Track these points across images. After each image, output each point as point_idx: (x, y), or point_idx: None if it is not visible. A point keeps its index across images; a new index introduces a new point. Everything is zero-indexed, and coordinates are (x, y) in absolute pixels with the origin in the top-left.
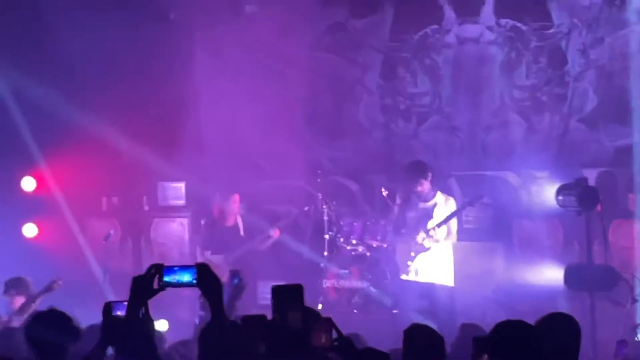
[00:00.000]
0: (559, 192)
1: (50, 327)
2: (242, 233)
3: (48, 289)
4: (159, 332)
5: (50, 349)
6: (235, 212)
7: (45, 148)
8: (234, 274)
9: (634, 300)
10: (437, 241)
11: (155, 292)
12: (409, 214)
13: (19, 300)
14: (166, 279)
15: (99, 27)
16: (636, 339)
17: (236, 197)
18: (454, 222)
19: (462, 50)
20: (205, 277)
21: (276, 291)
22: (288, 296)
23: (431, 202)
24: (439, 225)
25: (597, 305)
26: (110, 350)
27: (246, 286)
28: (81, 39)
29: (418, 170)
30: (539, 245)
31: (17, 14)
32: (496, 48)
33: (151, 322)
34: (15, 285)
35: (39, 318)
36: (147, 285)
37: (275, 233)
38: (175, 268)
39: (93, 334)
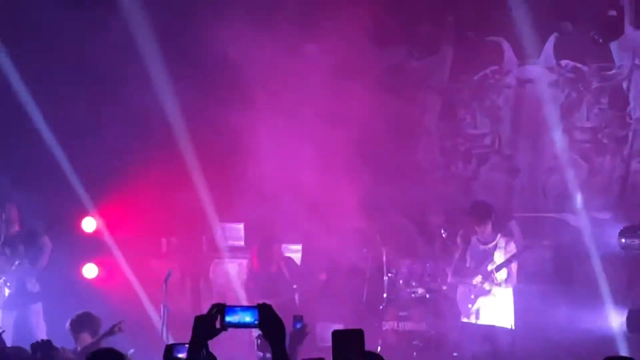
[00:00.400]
0: (622, 234)
1: None
2: (288, 277)
3: (110, 332)
4: None
5: None
6: (275, 259)
7: (106, 189)
8: (297, 318)
9: None
10: (498, 284)
11: (218, 332)
12: (470, 256)
13: (85, 337)
14: (228, 319)
15: (160, 76)
16: None
17: (276, 245)
18: (514, 266)
19: (522, 91)
20: (267, 318)
21: (337, 336)
22: (349, 341)
23: (492, 244)
24: (498, 269)
25: None
26: None
27: (309, 331)
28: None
29: (483, 211)
30: (601, 288)
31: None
32: (557, 89)
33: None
34: (83, 321)
35: (96, 357)
36: (209, 325)
37: (322, 276)
38: (237, 308)
39: None
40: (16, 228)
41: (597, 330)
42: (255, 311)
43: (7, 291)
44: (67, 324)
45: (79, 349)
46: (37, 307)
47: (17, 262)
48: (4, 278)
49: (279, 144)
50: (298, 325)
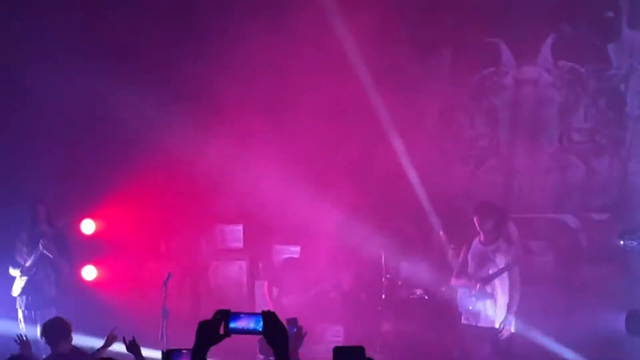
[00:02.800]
0: (621, 236)
1: None
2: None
3: (108, 343)
4: None
5: None
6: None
7: (104, 191)
8: (292, 322)
9: None
10: (502, 285)
11: (221, 338)
12: (471, 257)
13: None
14: (232, 325)
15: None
16: None
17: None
18: (517, 271)
19: (520, 92)
20: (271, 325)
21: (338, 352)
22: (350, 358)
23: (492, 247)
24: (499, 273)
25: None
26: None
27: (305, 334)
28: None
29: (489, 209)
30: (600, 289)
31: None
32: (554, 90)
33: None
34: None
35: None
36: (212, 331)
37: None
38: (242, 315)
39: None
40: (45, 227)
41: (596, 332)
42: (260, 318)
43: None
44: (40, 333)
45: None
46: (50, 312)
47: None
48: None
49: (276, 145)
50: (294, 330)
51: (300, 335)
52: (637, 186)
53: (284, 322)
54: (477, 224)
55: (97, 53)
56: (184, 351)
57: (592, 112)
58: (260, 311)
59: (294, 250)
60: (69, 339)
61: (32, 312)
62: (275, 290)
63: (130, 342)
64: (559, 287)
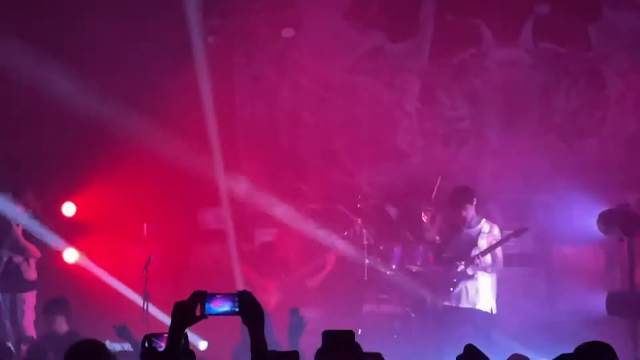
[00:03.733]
0: (601, 218)
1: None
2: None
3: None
4: None
5: None
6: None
7: (85, 174)
8: (293, 311)
9: None
10: (483, 269)
11: (197, 319)
12: (453, 239)
13: (60, 321)
14: (208, 306)
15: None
16: None
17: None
18: (499, 251)
19: (500, 73)
20: (247, 305)
21: (327, 336)
22: (339, 341)
23: (476, 229)
24: (483, 254)
25: (638, 331)
26: None
27: (306, 323)
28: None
29: (464, 195)
30: (580, 270)
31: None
32: (535, 71)
33: (192, 355)
34: (60, 305)
35: (75, 349)
36: (189, 312)
37: (329, 260)
38: (218, 296)
39: None
40: (33, 211)
41: (576, 312)
42: (235, 298)
43: None
44: (42, 308)
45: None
46: (29, 296)
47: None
48: None
49: (258, 127)
50: (295, 318)
51: (301, 324)
52: (617, 166)
53: (288, 313)
54: (458, 209)
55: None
56: (165, 335)
57: (572, 93)
58: (236, 292)
59: (275, 233)
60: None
61: (14, 296)
62: (256, 274)
63: (120, 327)
64: (540, 268)
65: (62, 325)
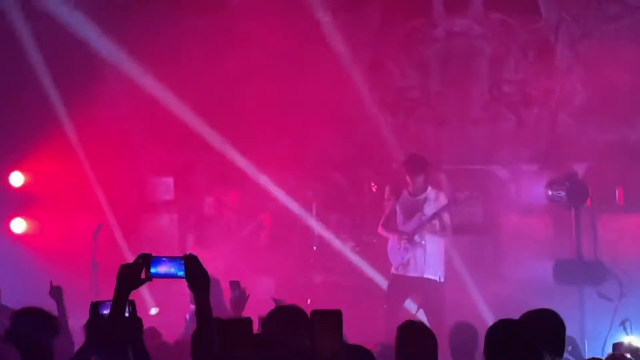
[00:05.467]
0: (549, 186)
1: (31, 325)
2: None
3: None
4: (151, 328)
5: (33, 347)
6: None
7: (33, 143)
8: (234, 285)
9: (623, 295)
10: (432, 233)
11: (142, 282)
12: (399, 208)
13: None
14: (153, 269)
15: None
16: (624, 333)
17: (230, 193)
18: (447, 216)
19: (450, 44)
20: (193, 269)
21: (314, 316)
22: (327, 322)
23: (422, 197)
24: (429, 220)
25: (585, 299)
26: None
27: (248, 296)
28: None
29: (418, 163)
30: (528, 239)
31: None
32: (484, 42)
33: (139, 321)
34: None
35: (19, 317)
36: (134, 275)
37: (265, 220)
38: (164, 259)
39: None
40: None
41: (524, 282)
42: (181, 262)
43: None
44: None
45: None
46: None
47: None
48: None
49: (208, 96)
50: (237, 293)
51: (243, 298)
52: (566, 137)
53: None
54: (407, 179)
55: None
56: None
57: (522, 64)
58: (182, 255)
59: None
60: None
61: None
62: (201, 243)
63: (54, 287)
64: (488, 237)
65: None
